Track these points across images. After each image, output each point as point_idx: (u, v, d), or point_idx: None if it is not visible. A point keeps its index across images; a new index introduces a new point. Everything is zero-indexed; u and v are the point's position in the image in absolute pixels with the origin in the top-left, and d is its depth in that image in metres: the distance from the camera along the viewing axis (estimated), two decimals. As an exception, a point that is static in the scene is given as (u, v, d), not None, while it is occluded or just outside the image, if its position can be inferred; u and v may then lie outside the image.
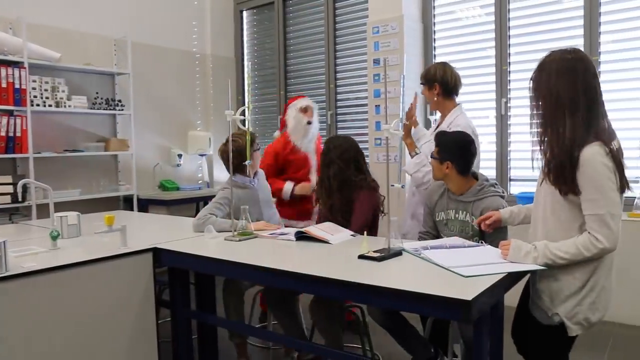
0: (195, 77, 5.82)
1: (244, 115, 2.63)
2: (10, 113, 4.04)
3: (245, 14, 6.10)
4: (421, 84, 2.94)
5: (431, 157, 2.52)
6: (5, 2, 4.23)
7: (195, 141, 5.63)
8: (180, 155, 5.52)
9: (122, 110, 4.86)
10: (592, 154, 1.74)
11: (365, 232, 2.33)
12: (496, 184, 2.49)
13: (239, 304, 2.92)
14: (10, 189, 4.00)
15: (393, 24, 4.43)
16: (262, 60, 5.98)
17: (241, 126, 2.67)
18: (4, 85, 3.96)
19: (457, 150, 2.44)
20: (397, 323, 2.54)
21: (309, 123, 3.43)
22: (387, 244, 2.16)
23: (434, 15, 4.62)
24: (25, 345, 2.00)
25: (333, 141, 2.91)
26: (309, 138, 3.48)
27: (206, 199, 5.35)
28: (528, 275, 2.02)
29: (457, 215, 2.48)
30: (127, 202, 5.02)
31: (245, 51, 6.15)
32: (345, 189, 2.78)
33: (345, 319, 3.06)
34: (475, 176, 2.50)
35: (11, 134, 4.02)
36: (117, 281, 2.31)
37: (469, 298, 1.56)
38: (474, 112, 4.41)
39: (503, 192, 2.48)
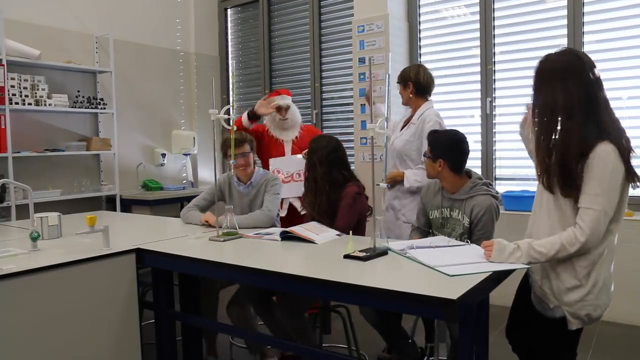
0: (179, 75, 5.77)
1: (229, 115, 2.61)
2: (-12, 112, 3.95)
3: (229, 11, 6.06)
4: (397, 82, 3.17)
5: (424, 155, 2.54)
6: (-17, -2, 4.14)
7: (179, 140, 5.57)
8: (163, 155, 5.45)
9: (105, 109, 4.79)
10: (604, 152, 1.73)
11: (350, 232, 2.32)
12: (490, 184, 2.48)
13: (213, 302, 2.96)
14: (-12, 189, 3.92)
15: (378, 23, 4.42)
16: (246, 58, 5.94)
17: (226, 125, 2.64)
18: (-19, 83, 3.88)
19: (449, 148, 2.45)
20: (390, 323, 2.54)
21: (282, 119, 3.60)
22: (372, 243, 2.16)
23: (419, 14, 4.63)
24: (4, 348, 1.96)
25: (317, 142, 2.87)
26: (284, 130, 3.64)
27: (190, 199, 5.28)
28: (523, 273, 2.02)
29: (451, 214, 2.48)
30: (109, 203, 4.95)
31: (230, 49, 6.10)
32: (332, 190, 2.75)
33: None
34: (470, 175, 2.50)
35: (-11, 133, 3.94)
36: (99, 283, 2.27)
37: (454, 297, 1.55)
38: (459, 111, 4.43)
39: (497, 193, 2.47)
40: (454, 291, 1.59)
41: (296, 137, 3.63)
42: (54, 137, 4.59)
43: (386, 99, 2.33)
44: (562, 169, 1.78)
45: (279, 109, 3.58)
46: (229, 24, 6.09)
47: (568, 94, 1.79)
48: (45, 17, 4.55)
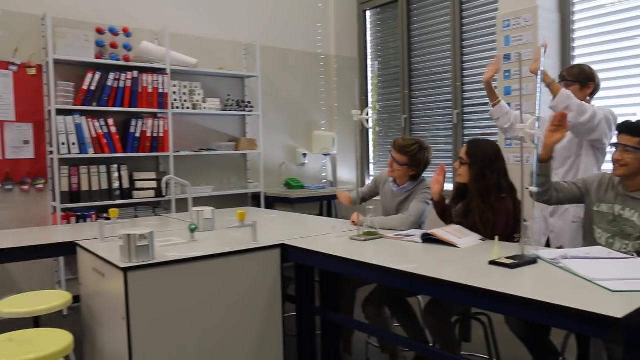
0: (320, 77, 5.95)
1: (369, 115, 2.64)
2: (154, 115, 4.44)
3: (368, 13, 6.12)
4: (571, 81, 2.84)
5: (627, 148, 2.18)
6: (152, 15, 4.66)
7: (319, 141, 5.76)
8: (305, 155, 5.68)
9: (251, 111, 5.12)
10: None
11: (497, 237, 2.20)
12: None
13: (350, 300, 3.04)
14: (154, 184, 4.40)
15: (526, 16, 4.16)
16: (385, 59, 5.95)
17: (367, 125, 2.67)
18: (150, 90, 4.36)
19: None
20: (536, 335, 2.38)
21: None
22: (520, 250, 2.04)
23: (573, 3, 4.27)
24: (166, 326, 2.19)
25: (478, 146, 2.65)
26: None
27: (330, 198, 5.46)
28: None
29: (622, 212, 2.22)
30: (255, 199, 5.27)
31: (369, 51, 6.16)
32: (484, 198, 2.53)
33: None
34: None
35: (155, 135, 4.42)
36: (248, 274, 2.43)
37: (619, 316, 1.40)
38: (618, 109, 3.99)
39: None
40: (618, 309, 1.44)
41: None
42: (207, 138, 5.01)
43: (538, 97, 2.19)
44: None
45: None
46: (368, 26, 6.15)
47: None
48: (202, 29, 4.98)
